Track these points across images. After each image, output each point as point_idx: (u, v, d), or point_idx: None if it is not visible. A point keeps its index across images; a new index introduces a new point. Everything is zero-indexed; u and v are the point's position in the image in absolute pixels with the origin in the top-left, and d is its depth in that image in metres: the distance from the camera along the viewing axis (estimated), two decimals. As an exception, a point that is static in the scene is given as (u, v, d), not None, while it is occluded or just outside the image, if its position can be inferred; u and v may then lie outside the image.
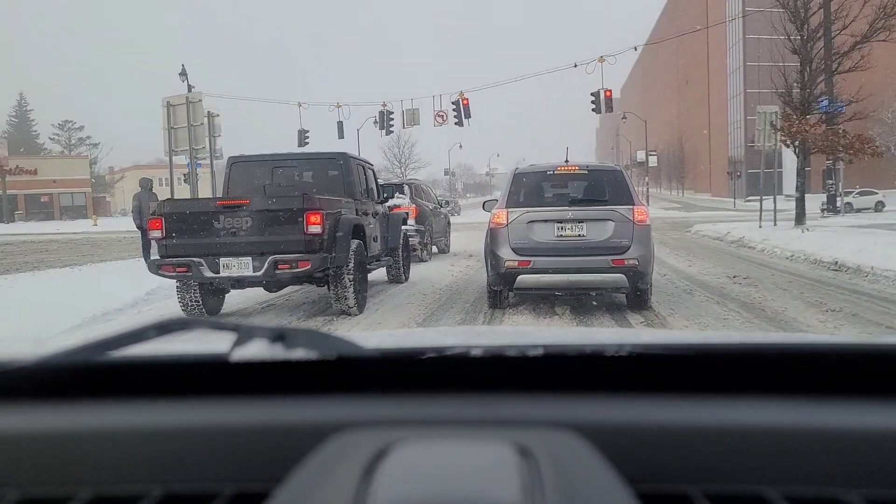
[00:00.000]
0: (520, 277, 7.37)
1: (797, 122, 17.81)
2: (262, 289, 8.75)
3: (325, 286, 8.07)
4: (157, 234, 7.39)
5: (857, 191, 45.06)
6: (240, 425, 0.84)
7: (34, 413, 0.88)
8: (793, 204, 21.58)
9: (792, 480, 0.74)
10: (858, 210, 40.79)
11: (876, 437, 0.77)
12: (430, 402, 0.86)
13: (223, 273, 7.27)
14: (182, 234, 7.36)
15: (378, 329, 7.12)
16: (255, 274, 7.23)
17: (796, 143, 18.37)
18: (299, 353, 0.86)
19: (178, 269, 7.29)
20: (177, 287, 8.01)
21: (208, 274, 7.27)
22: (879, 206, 42.01)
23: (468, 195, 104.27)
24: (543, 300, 8.43)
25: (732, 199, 55.50)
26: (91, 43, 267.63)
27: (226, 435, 0.83)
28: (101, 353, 0.89)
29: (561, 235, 7.37)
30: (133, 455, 0.82)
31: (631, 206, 7.37)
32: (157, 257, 7.49)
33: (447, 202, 19.82)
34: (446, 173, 78.20)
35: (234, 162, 9.20)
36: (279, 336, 0.86)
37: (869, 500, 0.72)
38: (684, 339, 1.31)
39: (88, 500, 0.77)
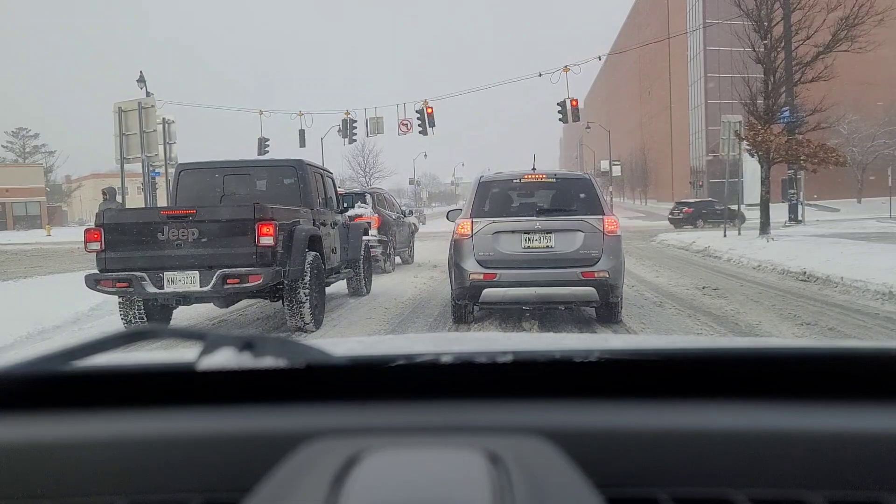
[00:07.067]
0: (485, 291, 7.01)
1: (762, 131, 17.85)
2: (213, 304, 8.26)
3: (280, 301, 7.62)
4: (95, 246, 6.86)
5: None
6: (207, 435, 0.81)
7: None
8: (754, 213, 21.65)
9: (758, 483, 0.74)
10: None
11: (838, 439, 0.77)
12: (399, 409, 0.85)
13: (168, 288, 6.76)
14: (123, 247, 6.84)
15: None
16: (202, 289, 6.73)
17: (760, 152, 18.42)
18: (268, 362, 0.83)
19: (117, 285, 6.76)
20: (119, 303, 7.48)
21: (151, 289, 6.76)
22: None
23: (433, 204, 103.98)
24: (510, 314, 8.08)
25: (695, 209, 55.90)
26: (50, 48, 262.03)
27: (193, 445, 0.80)
28: (64, 362, 0.86)
29: (528, 247, 7.03)
30: (97, 467, 0.79)
31: (601, 216, 7.05)
32: (96, 271, 6.96)
33: (411, 211, 19.48)
34: (411, 182, 77.75)
35: (183, 169, 8.66)
36: (247, 344, 0.84)
37: (832, 502, 0.72)
38: (652, 344, 1.29)
39: None
